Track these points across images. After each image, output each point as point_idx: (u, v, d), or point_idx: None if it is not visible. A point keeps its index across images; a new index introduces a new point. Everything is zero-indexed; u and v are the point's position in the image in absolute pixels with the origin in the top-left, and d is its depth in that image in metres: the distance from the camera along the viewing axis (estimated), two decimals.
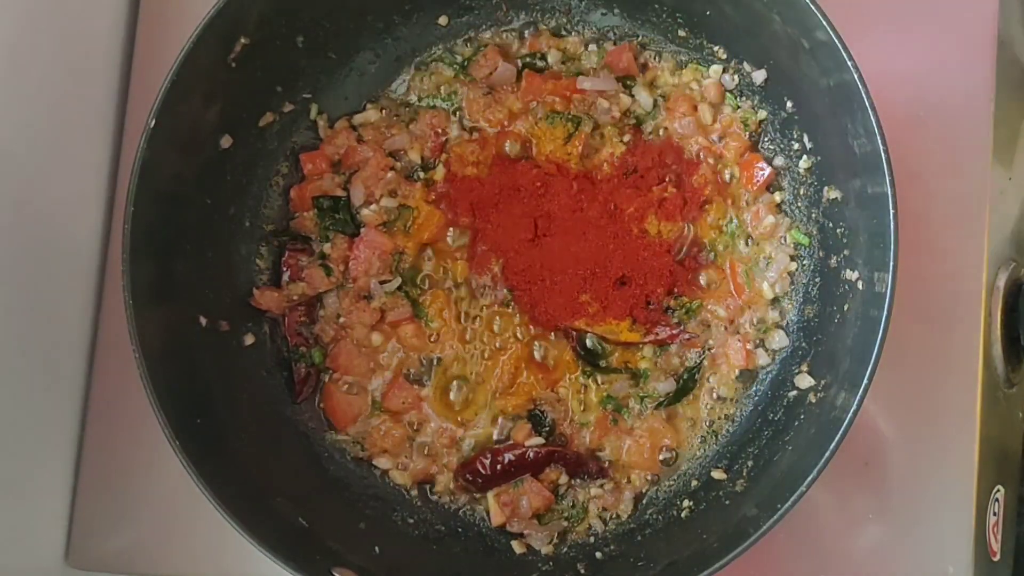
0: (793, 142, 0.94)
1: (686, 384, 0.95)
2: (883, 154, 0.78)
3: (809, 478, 0.77)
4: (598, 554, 0.91)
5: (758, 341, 0.94)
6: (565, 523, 0.94)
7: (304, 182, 0.99)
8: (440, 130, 0.99)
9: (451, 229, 0.98)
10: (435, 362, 0.97)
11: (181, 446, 0.81)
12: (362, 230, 0.98)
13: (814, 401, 0.87)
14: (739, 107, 0.96)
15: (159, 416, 0.81)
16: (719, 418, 0.95)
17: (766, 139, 0.96)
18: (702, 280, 0.96)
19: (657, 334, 0.95)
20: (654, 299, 0.95)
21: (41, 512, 1.02)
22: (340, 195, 0.98)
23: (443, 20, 1.00)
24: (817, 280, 0.93)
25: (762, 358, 0.94)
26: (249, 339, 0.96)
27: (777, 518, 0.78)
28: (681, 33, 0.97)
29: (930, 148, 0.96)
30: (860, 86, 0.79)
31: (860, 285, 0.85)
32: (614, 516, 0.94)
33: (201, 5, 0.85)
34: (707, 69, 0.97)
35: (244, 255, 0.98)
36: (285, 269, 0.98)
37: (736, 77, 0.96)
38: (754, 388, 0.95)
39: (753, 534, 0.78)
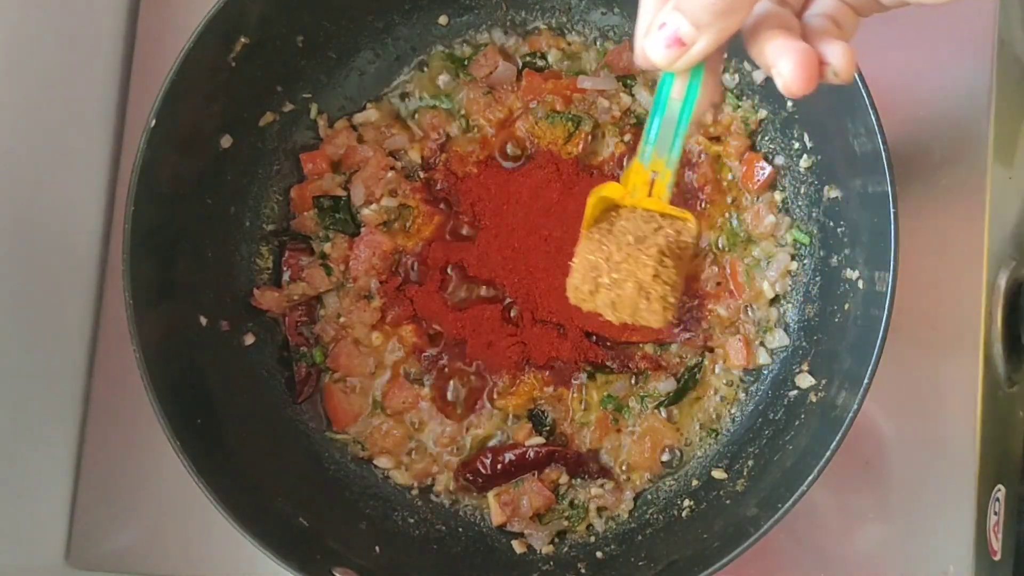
0: (793, 141, 0.94)
1: (686, 384, 0.95)
2: (883, 153, 0.78)
3: (810, 478, 0.77)
4: (599, 554, 0.91)
5: (758, 340, 0.94)
6: (565, 523, 0.94)
7: (304, 182, 0.99)
8: (440, 130, 0.99)
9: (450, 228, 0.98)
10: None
11: (181, 446, 0.81)
12: (362, 230, 0.98)
13: (814, 400, 0.87)
14: (739, 106, 0.96)
15: (159, 416, 0.81)
16: (719, 417, 0.95)
17: (766, 138, 0.96)
18: (702, 279, 0.96)
19: (657, 333, 0.95)
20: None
21: (41, 512, 1.02)
22: (340, 195, 0.98)
23: (443, 20, 1.00)
24: (817, 279, 0.93)
25: (762, 357, 0.94)
26: (249, 339, 0.96)
27: (777, 518, 0.78)
28: None
29: (930, 147, 0.96)
30: (860, 85, 0.79)
31: (861, 284, 0.85)
32: (614, 516, 0.94)
33: (201, 5, 0.84)
34: None
35: (244, 255, 0.98)
36: (285, 269, 0.98)
37: (736, 76, 0.96)
38: (754, 387, 0.95)
39: (753, 534, 0.78)
